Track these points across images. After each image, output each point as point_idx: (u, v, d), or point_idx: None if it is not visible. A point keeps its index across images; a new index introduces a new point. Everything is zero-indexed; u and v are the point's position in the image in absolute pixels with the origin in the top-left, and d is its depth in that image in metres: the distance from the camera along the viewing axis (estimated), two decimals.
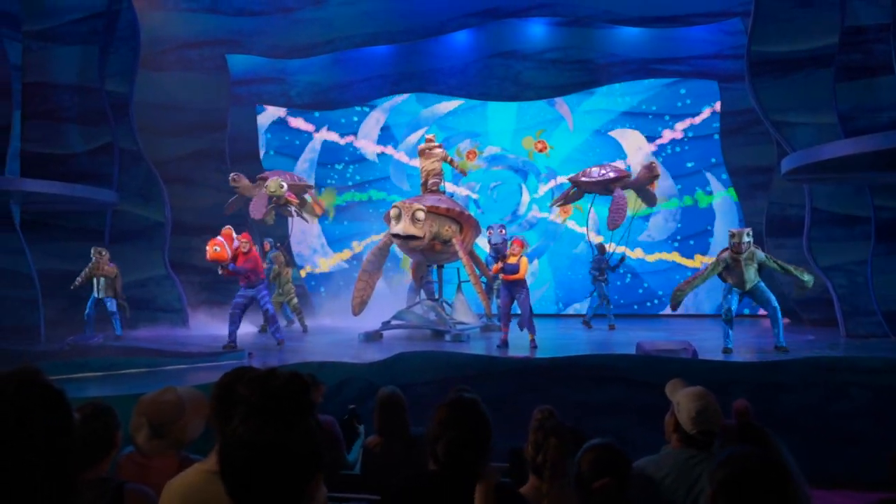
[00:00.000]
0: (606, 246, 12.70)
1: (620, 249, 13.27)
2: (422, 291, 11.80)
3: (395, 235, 9.98)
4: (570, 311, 15.50)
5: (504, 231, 11.17)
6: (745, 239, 8.80)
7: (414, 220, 9.85)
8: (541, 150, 15.64)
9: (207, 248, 9.55)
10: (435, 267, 11.86)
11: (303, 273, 15.68)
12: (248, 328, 11.32)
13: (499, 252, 9.56)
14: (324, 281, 15.85)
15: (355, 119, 15.85)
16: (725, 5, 12.94)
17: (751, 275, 8.83)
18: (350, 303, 10.99)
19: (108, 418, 2.49)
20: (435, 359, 8.21)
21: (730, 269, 8.91)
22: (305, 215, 13.62)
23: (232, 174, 12.82)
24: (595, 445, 2.50)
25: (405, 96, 15.66)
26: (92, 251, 11.02)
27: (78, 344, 9.59)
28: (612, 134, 15.39)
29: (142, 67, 12.83)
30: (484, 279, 11.81)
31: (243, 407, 1.43)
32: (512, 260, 9.50)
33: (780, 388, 7.45)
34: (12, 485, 1.18)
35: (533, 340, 9.45)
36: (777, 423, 6.58)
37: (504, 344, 9.52)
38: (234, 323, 9.77)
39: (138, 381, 7.52)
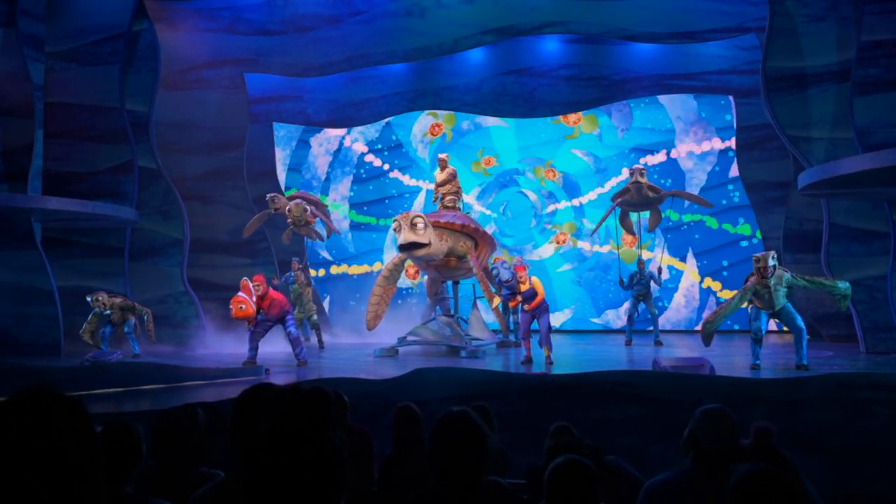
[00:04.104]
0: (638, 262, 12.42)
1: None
2: (437, 307, 11.81)
3: (401, 248, 9.92)
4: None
5: (506, 264, 10.66)
6: (771, 262, 8.48)
7: (413, 227, 9.68)
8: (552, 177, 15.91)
9: (231, 306, 9.42)
10: (450, 283, 11.87)
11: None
12: (270, 347, 11.31)
13: (511, 288, 9.44)
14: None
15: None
16: (740, 21, 12.91)
17: (780, 298, 8.54)
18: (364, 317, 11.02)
19: (130, 433, 2.52)
20: (451, 375, 8.19)
21: (759, 294, 8.61)
22: (318, 234, 13.67)
23: (270, 195, 12.99)
24: (561, 464, 2.46)
25: None
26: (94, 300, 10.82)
27: (97, 361, 9.66)
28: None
29: (161, 87, 13.08)
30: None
31: (264, 422, 1.45)
32: (524, 287, 9.46)
33: (800, 405, 7.36)
34: (41, 498, 1.19)
35: (549, 357, 9.41)
36: (798, 441, 6.52)
37: (528, 361, 9.48)
38: (255, 341, 9.67)
39: (158, 397, 7.57)
